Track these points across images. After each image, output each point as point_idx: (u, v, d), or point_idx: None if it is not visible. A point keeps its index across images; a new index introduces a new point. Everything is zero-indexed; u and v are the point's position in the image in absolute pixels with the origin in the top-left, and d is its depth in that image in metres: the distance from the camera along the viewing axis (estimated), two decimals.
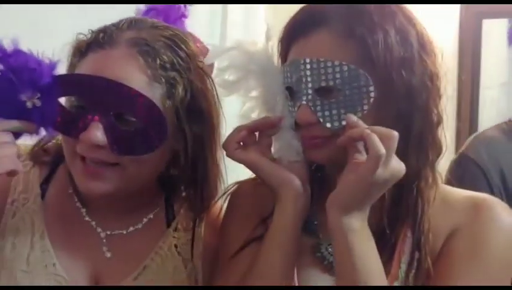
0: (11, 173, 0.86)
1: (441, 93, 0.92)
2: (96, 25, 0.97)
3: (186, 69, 0.93)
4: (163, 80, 0.90)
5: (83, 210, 1.01)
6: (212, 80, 0.99)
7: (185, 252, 1.03)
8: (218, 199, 1.06)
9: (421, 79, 0.88)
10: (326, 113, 0.87)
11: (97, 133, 0.87)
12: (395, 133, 0.82)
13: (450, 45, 2.65)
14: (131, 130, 0.88)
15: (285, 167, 0.93)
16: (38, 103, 0.85)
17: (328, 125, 0.87)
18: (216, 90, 1.00)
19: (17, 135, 0.88)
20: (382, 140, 0.81)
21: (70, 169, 0.94)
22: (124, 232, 1.02)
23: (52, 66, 0.87)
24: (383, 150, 0.80)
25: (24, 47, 0.87)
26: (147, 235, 1.02)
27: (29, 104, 0.86)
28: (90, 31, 0.95)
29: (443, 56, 0.94)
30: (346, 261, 0.84)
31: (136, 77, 0.88)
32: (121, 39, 0.91)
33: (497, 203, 0.93)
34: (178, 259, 1.02)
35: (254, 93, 0.98)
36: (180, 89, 0.91)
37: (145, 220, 1.03)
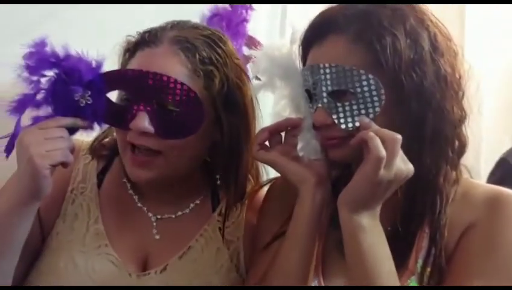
0: (63, 165, 0.95)
1: (460, 92, 0.94)
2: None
3: (223, 64, 1.02)
4: (201, 73, 0.98)
5: (135, 197, 1.11)
6: (248, 77, 1.07)
7: (228, 234, 1.10)
8: (259, 188, 1.14)
9: (433, 80, 0.90)
10: (341, 115, 0.91)
11: (144, 121, 0.96)
12: (398, 136, 0.84)
13: None
14: (173, 116, 0.97)
15: (306, 165, 0.97)
16: (89, 100, 0.95)
17: (343, 126, 0.92)
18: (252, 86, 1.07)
19: (72, 131, 0.98)
20: (385, 142, 0.84)
21: (122, 158, 1.04)
22: (173, 216, 1.10)
23: (99, 65, 0.96)
24: (383, 153, 0.83)
25: (74, 50, 0.96)
26: (193, 219, 1.11)
27: (81, 102, 0.96)
28: (137, 33, 1.04)
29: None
30: (356, 257, 0.87)
31: (177, 70, 0.97)
32: (164, 38, 1.00)
33: None
34: (221, 241, 1.10)
35: (285, 92, 1.04)
36: (217, 82, 0.99)
37: (192, 205, 1.12)
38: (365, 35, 0.90)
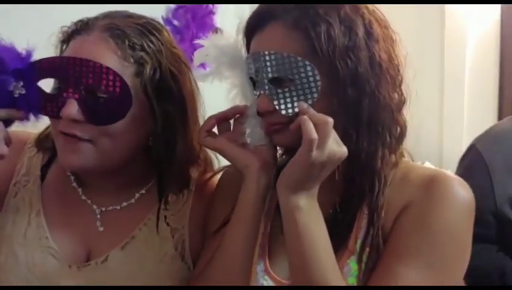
0: None
1: (398, 77, 0.97)
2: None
3: (156, 51, 1.01)
4: (132, 59, 0.98)
5: (79, 190, 1.10)
6: (188, 66, 1.07)
7: (173, 222, 1.11)
8: (211, 177, 1.15)
9: (367, 66, 0.92)
10: (282, 101, 0.94)
11: (72, 108, 0.95)
12: (329, 120, 0.87)
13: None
14: (100, 102, 0.96)
15: (252, 151, 1.00)
16: (22, 91, 0.95)
17: (283, 112, 0.94)
18: (194, 77, 1.07)
19: (8, 122, 0.97)
20: (317, 126, 0.87)
21: (56, 147, 1.03)
22: (118, 207, 1.10)
23: (28, 54, 0.96)
24: (314, 135, 0.86)
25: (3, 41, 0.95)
26: (139, 209, 1.09)
27: (15, 93, 0.95)
28: (71, 22, 1.04)
29: (401, 41, 0.99)
30: (293, 235, 0.90)
31: (107, 56, 0.97)
32: (95, 26, 1.00)
33: (451, 179, 0.95)
34: (166, 229, 1.10)
35: (235, 81, 1.06)
36: (148, 68, 0.99)
37: (137, 195, 1.11)
38: (302, 23, 0.92)
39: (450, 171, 3.03)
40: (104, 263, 1.05)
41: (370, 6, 0.98)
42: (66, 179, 1.10)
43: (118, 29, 0.99)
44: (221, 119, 1.04)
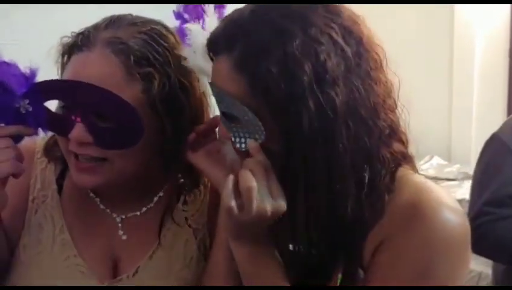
0: (14, 176, 0.93)
1: (381, 109, 0.83)
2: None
3: (164, 63, 0.96)
4: (138, 76, 0.93)
5: (97, 199, 1.06)
6: (196, 74, 1.01)
7: (194, 222, 1.07)
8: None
9: (315, 117, 0.79)
10: (236, 134, 0.87)
11: (81, 132, 0.92)
12: (251, 185, 0.79)
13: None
14: (111, 126, 0.92)
15: (227, 166, 0.92)
16: (29, 108, 0.93)
17: (238, 146, 0.87)
18: (202, 85, 1.01)
19: (18, 139, 0.94)
20: (242, 189, 0.80)
21: (69, 165, 1.00)
22: (138, 213, 1.06)
23: (33, 73, 0.92)
24: (230, 203, 0.81)
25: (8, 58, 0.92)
26: (159, 213, 1.06)
27: (22, 110, 0.92)
28: (72, 33, 0.98)
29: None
30: (244, 279, 0.88)
31: (112, 76, 0.92)
32: (97, 40, 0.94)
33: (434, 211, 0.81)
34: (189, 231, 1.06)
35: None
36: (156, 84, 0.94)
37: (155, 198, 1.07)
38: (242, 63, 0.81)
39: (458, 165, 3.04)
40: (136, 276, 1.03)
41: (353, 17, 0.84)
42: (82, 189, 1.07)
43: (121, 43, 0.93)
44: (202, 132, 0.98)
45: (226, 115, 0.87)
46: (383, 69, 0.85)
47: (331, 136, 0.80)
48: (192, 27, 1.00)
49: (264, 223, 0.83)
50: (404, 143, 0.88)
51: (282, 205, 0.82)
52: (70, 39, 0.97)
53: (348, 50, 0.80)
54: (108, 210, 1.06)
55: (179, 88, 0.96)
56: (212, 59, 0.88)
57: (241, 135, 0.86)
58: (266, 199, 0.81)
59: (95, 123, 0.93)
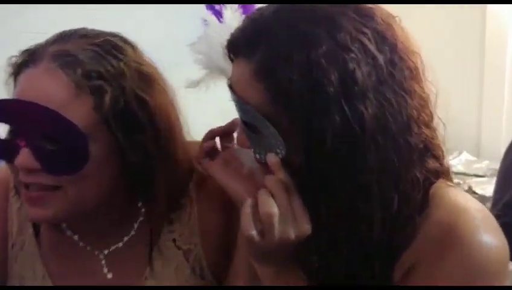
0: None
1: (415, 124, 0.77)
2: None
3: (117, 75, 0.86)
4: (88, 90, 0.84)
5: (75, 237, 0.98)
6: (163, 81, 0.94)
7: (184, 243, 0.98)
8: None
9: (341, 132, 0.73)
10: (255, 144, 0.81)
11: (27, 158, 0.84)
12: (272, 211, 0.75)
13: None
14: (58, 149, 0.84)
15: (246, 177, 0.87)
16: None
17: (257, 156, 0.81)
18: (173, 99, 0.94)
19: None
20: (262, 216, 0.76)
21: (21, 198, 0.91)
22: (120, 244, 0.98)
23: None
24: (250, 232, 0.76)
25: None
26: (142, 239, 0.97)
27: None
28: (19, 52, 0.90)
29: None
30: None
31: (59, 92, 0.84)
32: (44, 55, 0.86)
33: (471, 234, 0.75)
34: (178, 254, 0.98)
35: None
36: (107, 98, 0.85)
37: (135, 225, 0.98)
38: (263, 70, 0.75)
39: (487, 161, 3.04)
40: None
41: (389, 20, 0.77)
42: (58, 227, 0.98)
43: (68, 56, 0.85)
44: (220, 134, 0.91)
45: (246, 124, 0.81)
46: (419, 79, 0.78)
47: (356, 155, 0.73)
48: (211, 20, 0.96)
49: (288, 248, 0.78)
50: (439, 158, 0.82)
51: (307, 228, 0.77)
52: (18, 58, 0.90)
53: (381, 58, 0.74)
54: (88, 247, 0.98)
55: (136, 103, 0.87)
56: (232, 60, 0.82)
57: (261, 145, 0.79)
58: (289, 224, 0.76)
59: (41, 147, 0.84)
